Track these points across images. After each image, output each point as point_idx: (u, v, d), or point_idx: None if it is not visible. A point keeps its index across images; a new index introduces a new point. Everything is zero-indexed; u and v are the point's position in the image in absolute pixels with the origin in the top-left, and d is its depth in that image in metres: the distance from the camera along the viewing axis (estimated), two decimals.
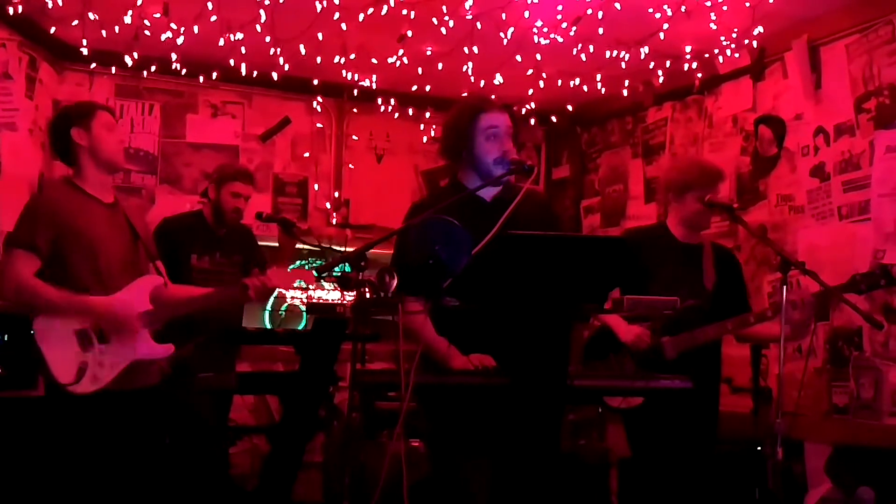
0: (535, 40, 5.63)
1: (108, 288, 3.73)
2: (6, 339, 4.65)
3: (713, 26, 5.47)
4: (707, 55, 5.93)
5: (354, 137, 7.26)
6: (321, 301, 6.18)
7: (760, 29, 5.51)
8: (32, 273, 3.66)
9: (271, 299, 6.58)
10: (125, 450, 3.72)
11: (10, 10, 5.36)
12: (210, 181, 5.18)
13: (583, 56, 5.86)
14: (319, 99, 6.90)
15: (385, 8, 5.30)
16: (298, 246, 5.32)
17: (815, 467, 5.15)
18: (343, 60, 6.05)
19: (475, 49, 5.70)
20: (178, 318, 4.05)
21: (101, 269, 3.75)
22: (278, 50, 5.89)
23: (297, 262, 6.75)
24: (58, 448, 3.63)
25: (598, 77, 6.30)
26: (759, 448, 4.66)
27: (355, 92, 6.76)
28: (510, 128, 3.58)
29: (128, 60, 6.02)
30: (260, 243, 5.43)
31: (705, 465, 4.31)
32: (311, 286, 6.58)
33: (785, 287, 3.73)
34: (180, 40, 5.76)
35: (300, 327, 6.54)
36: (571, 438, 5.64)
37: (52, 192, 3.92)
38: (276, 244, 5.19)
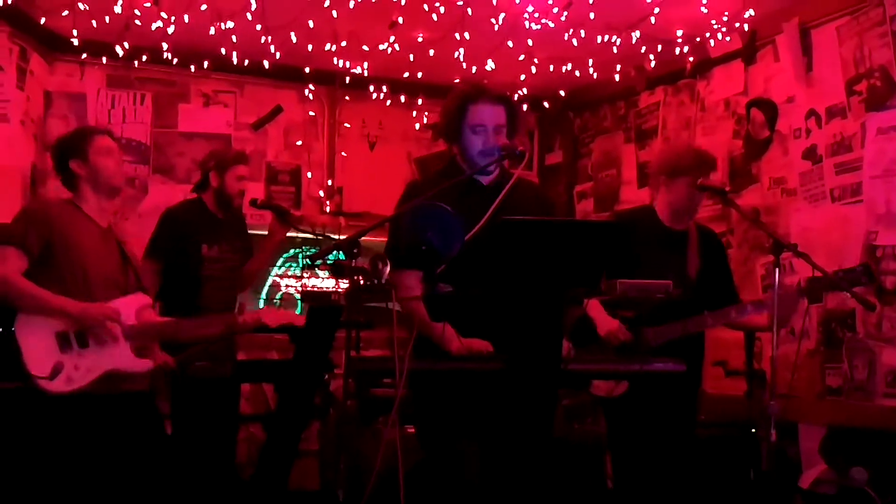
0: (527, 25, 5.63)
1: (93, 300, 3.77)
2: None
3: (704, 10, 5.47)
4: (698, 39, 5.93)
5: (347, 125, 7.24)
6: (315, 289, 6.18)
7: (751, 12, 5.52)
8: (19, 271, 3.71)
9: (266, 286, 6.63)
10: (114, 450, 3.74)
11: (0, 1, 5.34)
12: (208, 169, 5.06)
13: (574, 41, 5.85)
14: (311, 87, 6.89)
15: None
16: (291, 234, 5.29)
17: (809, 449, 5.18)
18: (334, 48, 6.04)
19: (466, 35, 5.69)
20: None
21: (89, 282, 3.80)
22: (269, 38, 5.87)
23: (292, 251, 6.77)
24: (37, 444, 3.65)
25: (590, 62, 6.29)
26: (753, 430, 4.68)
27: (347, 79, 6.74)
28: (501, 124, 3.56)
29: (119, 50, 6.00)
30: (253, 232, 5.41)
31: (687, 447, 4.31)
32: (305, 274, 6.59)
33: (777, 269, 3.74)
34: (171, 30, 5.75)
35: None
36: (565, 423, 5.65)
37: (52, 204, 4.03)
38: (266, 233, 5.15)
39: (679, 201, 4.40)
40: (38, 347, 3.64)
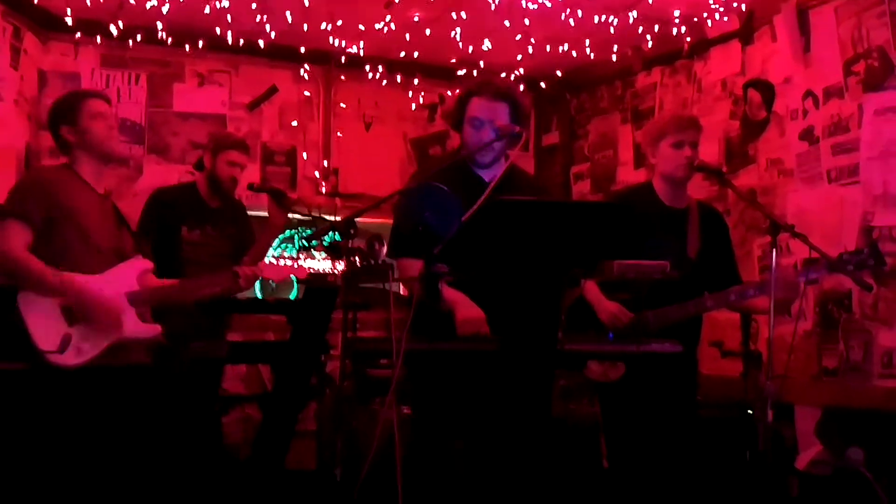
0: (524, 5, 5.61)
1: (96, 271, 3.71)
2: None
3: None
4: (696, 19, 5.91)
5: (342, 105, 7.21)
6: (312, 270, 6.16)
7: None
8: (24, 245, 3.61)
9: None
10: (115, 424, 3.69)
11: None
12: (204, 150, 5.11)
13: (571, 21, 5.83)
14: (307, 67, 6.85)
15: None
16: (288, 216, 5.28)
17: (805, 429, 5.19)
18: (330, 27, 6.01)
19: (463, 15, 5.67)
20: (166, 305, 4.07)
21: (91, 251, 3.72)
22: (264, 17, 5.85)
23: (288, 233, 6.75)
24: (44, 421, 3.60)
25: (587, 42, 6.28)
26: (749, 411, 4.68)
27: (343, 59, 6.72)
28: (497, 120, 3.55)
29: (113, 30, 5.98)
30: (251, 213, 5.40)
31: (688, 428, 4.30)
32: (302, 256, 6.57)
33: (774, 250, 3.72)
34: (165, 8, 5.71)
35: (291, 296, 6.53)
36: (562, 403, 5.66)
37: (47, 171, 3.90)
38: (266, 214, 5.14)
39: (665, 165, 4.27)
40: (43, 322, 3.56)
